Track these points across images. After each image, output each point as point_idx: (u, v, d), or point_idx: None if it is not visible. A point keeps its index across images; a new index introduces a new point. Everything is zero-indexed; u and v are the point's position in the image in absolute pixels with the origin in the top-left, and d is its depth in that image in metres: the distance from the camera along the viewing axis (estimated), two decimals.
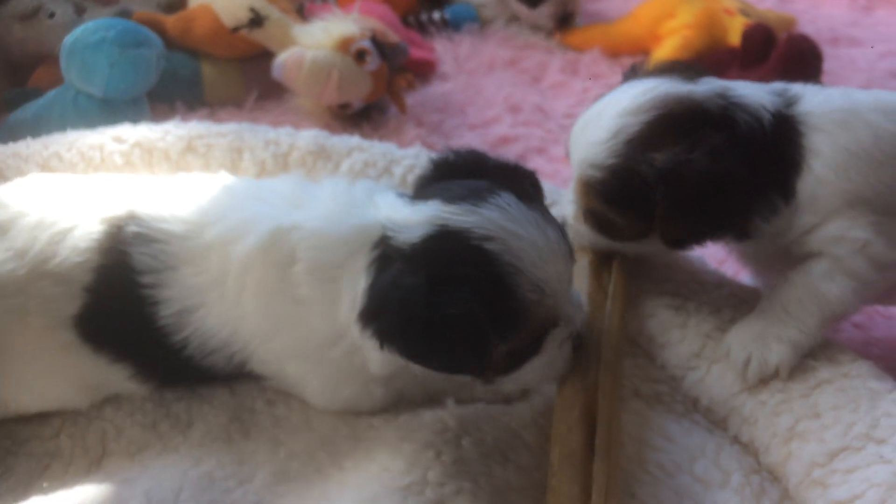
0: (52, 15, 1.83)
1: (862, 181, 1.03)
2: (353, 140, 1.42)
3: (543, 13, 2.15)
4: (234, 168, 1.38)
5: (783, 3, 2.53)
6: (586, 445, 0.94)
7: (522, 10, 2.18)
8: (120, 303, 1.01)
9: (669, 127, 1.03)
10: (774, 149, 1.04)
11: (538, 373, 0.99)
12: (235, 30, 1.75)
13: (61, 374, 1.05)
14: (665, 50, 2.03)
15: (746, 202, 1.03)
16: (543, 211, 0.95)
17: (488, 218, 0.89)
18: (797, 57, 1.77)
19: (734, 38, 2.05)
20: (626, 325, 1.11)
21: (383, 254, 0.92)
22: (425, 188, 0.98)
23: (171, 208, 1.03)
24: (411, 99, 1.85)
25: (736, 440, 1.05)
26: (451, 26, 2.18)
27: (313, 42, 1.66)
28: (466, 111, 1.87)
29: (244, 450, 1.05)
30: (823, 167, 1.03)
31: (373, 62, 1.68)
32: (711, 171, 0.98)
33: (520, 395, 1.10)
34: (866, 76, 2.02)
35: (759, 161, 1.02)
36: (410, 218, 0.92)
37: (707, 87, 1.07)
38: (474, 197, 0.91)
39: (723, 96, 1.05)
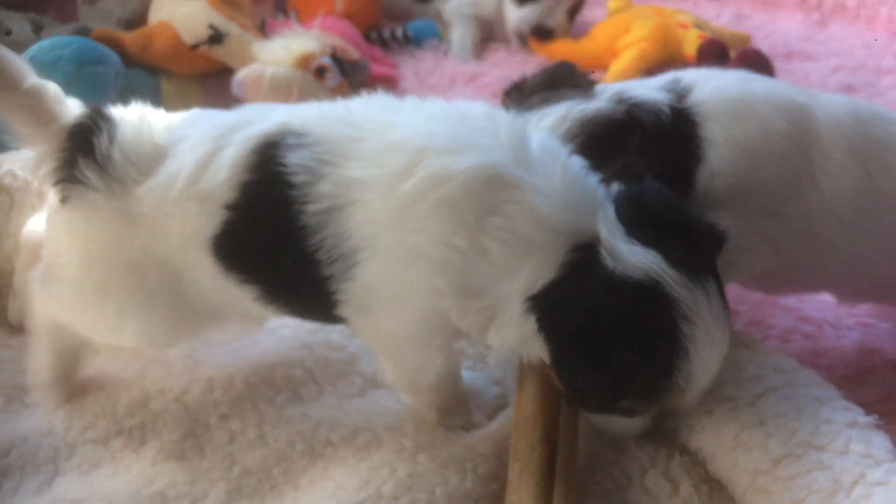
0: (8, 32, 1.82)
1: (749, 176, 1.05)
2: None
3: (527, 15, 2.20)
4: None
5: (739, 18, 2.59)
6: (547, 465, 0.95)
7: (512, 8, 2.23)
8: (260, 213, 0.98)
9: (593, 153, 1.01)
10: (676, 144, 1.05)
11: (619, 426, 1.03)
12: (195, 46, 1.75)
13: (178, 299, 1.03)
14: (622, 63, 2.07)
15: None
16: (728, 311, 0.94)
17: (697, 301, 0.89)
18: (750, 69, 1.80)
19: (689, 49, 2.10)
20: None
21: (585, 263, 0.90)
22: (633, 224, 0.92)
23: (337, 117, 0.99)
24: None
25: (685, 449, 1.07)
26: (414, 43, 2.20)
27: (273, 58, 1.67)
28: None
29: (198, 467, 1.05)
30: (718, 159, 1.05)
31: (333, 79, 1.70)
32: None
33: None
34: (819, 90, 2.05)
35: (665, 158, 1.03)
36: (627, 255, 0.89)
37: (606, 96, 1.09)
38: (691, 271, 0.89)
39: (622, 101, 1.07)
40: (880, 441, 0.96)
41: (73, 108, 1.03)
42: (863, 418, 0.99)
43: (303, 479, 1.02)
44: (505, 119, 0.97)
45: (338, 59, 1.71)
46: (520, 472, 0.94)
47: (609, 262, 0.88)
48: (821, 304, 1.39)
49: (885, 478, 0.92)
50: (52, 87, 1.02)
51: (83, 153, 0.99)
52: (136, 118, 1.03)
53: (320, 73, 1.68)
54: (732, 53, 2.10)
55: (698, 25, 2.19)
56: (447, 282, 0.92)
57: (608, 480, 1.01)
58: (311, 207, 0.94)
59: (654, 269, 0.88)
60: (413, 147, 0.93)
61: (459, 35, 2.23)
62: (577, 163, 0.97)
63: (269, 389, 1.14)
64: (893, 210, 1.10)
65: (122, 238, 1.00)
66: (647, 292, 0.88)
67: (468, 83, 2.08)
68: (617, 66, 2.08)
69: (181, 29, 1.77)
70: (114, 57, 1.57)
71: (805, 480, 0.94)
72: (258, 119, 1.01)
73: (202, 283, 1.02)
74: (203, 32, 1.74)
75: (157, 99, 1.82)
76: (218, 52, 1.76)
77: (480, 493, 0.99)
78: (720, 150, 1.05)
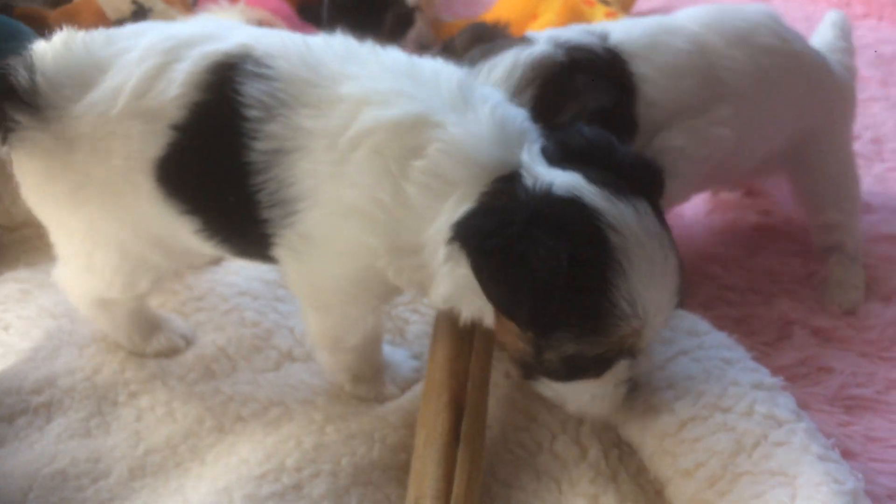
0: None
1: (677, 96, 1.15)
2: None
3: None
4: None
5: None
6: (452, 431, 0.94)
7: None
8: (208, 139, 0.94)
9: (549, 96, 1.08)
10: (614, 82, 1.12)
11: (583, 399, 0.93)
12: (119, 22, 1.69)
13: (124, 226, 1.00)
14: None
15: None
16: (669, 233, 0.89)
17: (623, 213, 0.84)
18: None
19: None
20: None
21: (502, 189, 0.86)
22: (558, 158, 0.90)
23: (299, 54, 0.95)
24: None
25: None
26: None
27: None
28: None
29: (103, 445, 1.02)
30: (651, 89, 1.13)
31: None
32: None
33: None
34: None
35: (608, 97, 1.10)
36: (547, 175, 0.86)
37: (544, 39, 1.14)
38: (615, 189, 0.86)
39: (559, 45, 1.13)
40: (784, 402, 0.96)
41: None
42: (769, 379, 0.99)
43: (209, 456, 1.00)
44: (448, 70, 0.95)
45: None
46: (425, 438, 0.93)
47: (529, 181, 0.86)
48: (745, 271, 1.39)
49: (786, 438, 0.92)
50: None
51: (5, 98, 0.95)
52: (59, 41, 0.99)
53: None
54: None
55: (604, 1, 2.17)
56: (379, 240, 0.91)
57: (519, 447, 1.00)
58: (258, 145, 0.91)
59: (573, 184, 0.86)
60: (355, 100, 0.91)
61: None
62: (512, 106, 0.95)
63: (181, 368, 1.11)
64: (775, 79, 1.24)
65: (64, 165, 0.96)
66: (568, 200, 0.84)
67: None
68: None
69: (105, 4, 1.72)
70: (28, 32, 1.50)
71: (708, 442, 0.94)
72: (217, 36, 0.96)
73: (144, 210, 0.98)
74: (126, 8, 1.69)
75: None
76: None
77: (388, 463, 0.97)
78: (650, 82, 1.14)
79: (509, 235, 0.82)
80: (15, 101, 0.95)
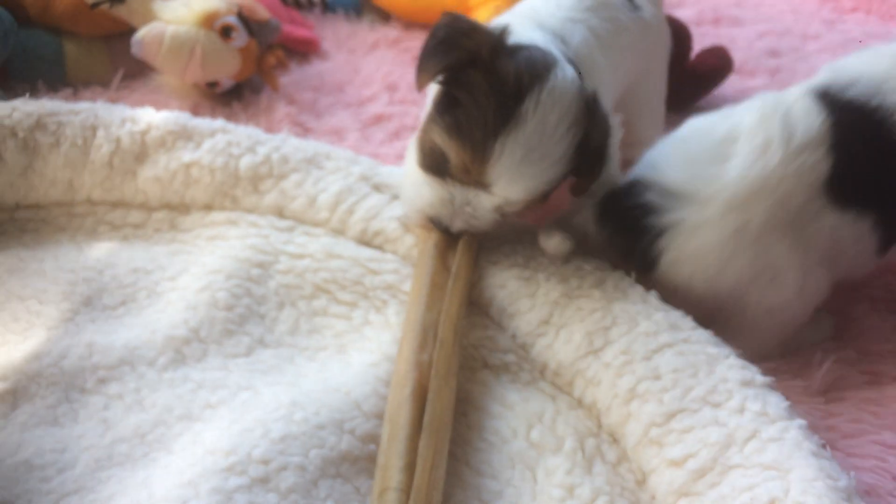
0: None
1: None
2: (217, 122, 1.38)
3: None
4: (85, 146, 1.33)
5: None
6: (414, 422, 0.93)
7: None
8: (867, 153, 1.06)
9: None
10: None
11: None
12: (95, 5, 1.66)
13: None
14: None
15: None
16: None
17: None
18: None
19: None
20: (465, 302, 1.10)
21: None
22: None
23: None
24: (287, 78, 1.80)
25: (580, 404, 1.05)
26: (329, 10, 2.13)
27: (174, 17, 1.59)
28: (344, 89, 1.82)
29: (70, 434, 0.99)
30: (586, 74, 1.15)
31: (239, 39, 1.62)
32: None
33: None
34: (744, 54, 2.06)
35: None
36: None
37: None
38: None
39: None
40: (776, 401, 0.95)
41: None
42: (759, 378, 0.98)
43: (176, 445, 0.97)
44: None
45: (244, 19, 1.64)
46: (389, 432, 0.92)
47: None
48: None
49: (780, 434, 0.91)
50: None
51: None
52: None
53: (226, 32, 1.60)
54: None
55: None
56: None
57: (493, 435, 0.98)
58: None
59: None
60: None
61: None
62: None
63: (151, 351, 1.08)
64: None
65: None
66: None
67: (390, 47, 2.03)
68: None
69: None
70: (3, 14, 1.48)
71: (700, 434, 0.93)
72: None
73: None
74: None
75: (60, 61, 1.74)
76: (120, 11, 1.67)
77: (357, 455, 0.95)
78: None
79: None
80: None
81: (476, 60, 0.99)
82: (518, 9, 1.28)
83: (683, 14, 2.25)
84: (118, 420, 1.01)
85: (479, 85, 0.98)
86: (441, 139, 1.01)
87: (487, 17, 1.92)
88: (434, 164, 1.04)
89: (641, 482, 0.97)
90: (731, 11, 2.37)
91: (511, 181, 1.00)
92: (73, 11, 1.71)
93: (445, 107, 1.01)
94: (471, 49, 0.99)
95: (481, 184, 1.01)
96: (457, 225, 1.07)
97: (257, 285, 1.18)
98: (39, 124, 1.34)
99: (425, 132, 1.04)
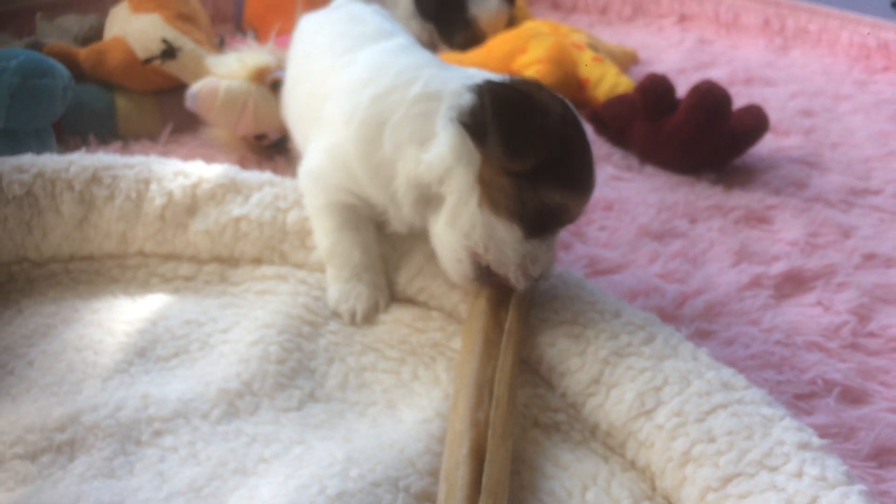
0: None
1: None
2: (265, 175, 1.41)
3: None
4: (139, 199, 1.36)
5: (702, 43, 2.61)
6: (473, 483, 0.92)
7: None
8: None
9: None
10: None
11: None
12: (147, 61, 1.73)
13: None
14: None
15: None
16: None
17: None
18: (711, 104, 1.80)
19: (584, 71, 2.11)
20: (518, 360, 1.11)
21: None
22: None
23: None
24: None
25: (633, 466, 1.04)
26: None
27: (227, 72, 1.65)
28: None
29: (126, 487, 1.00)
30: None
31: None
32: None
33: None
34: (777, 114, 2.08)
35: None
36: None
37: None
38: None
39: None
40: (835, 465, 0.94)
41: None
42: (816, 440, 0.97)
43: (232, 499, 0.98)
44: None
45: None
46: (446, 492, 0.91)
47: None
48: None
49: (840, 500, 0.90)
50: None
51: None
52: None
53: (276, 86, 1.65)
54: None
55: (592, 46, 2.20)
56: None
57: (547, 495, 0.97)
58: None
59: None
60: None
61: None
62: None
63: (205, 404, 1.10)
64: None
65: None
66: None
67: None
68: None
69: (134, 43, 1.74)
70: (62, 70, 1.53)
71: (757, 500, 0.92)
72: None
73: None
74: (155, 47, 1.71)
75: (112, 115, 1.79)
76: (171, 67, 1.74)
77: None
78: None
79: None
80: None
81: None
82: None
83: (715, 74, 2.30)
84: (173, 473, 1.02)
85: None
86: (560, 195, 1.08)
87: (535, 57, 2.01)
88: (546, 222, 1.09)
89: None
90: (762, 72, 2.40)
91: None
92: (125, 67, 1.77)
93: (546, 166, 1.06)
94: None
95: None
96: (537, 272, 1.11)
97: (307, 341, 1.20)
98: (95, 178, 1.37)
99: (530, 198, 1.07)
